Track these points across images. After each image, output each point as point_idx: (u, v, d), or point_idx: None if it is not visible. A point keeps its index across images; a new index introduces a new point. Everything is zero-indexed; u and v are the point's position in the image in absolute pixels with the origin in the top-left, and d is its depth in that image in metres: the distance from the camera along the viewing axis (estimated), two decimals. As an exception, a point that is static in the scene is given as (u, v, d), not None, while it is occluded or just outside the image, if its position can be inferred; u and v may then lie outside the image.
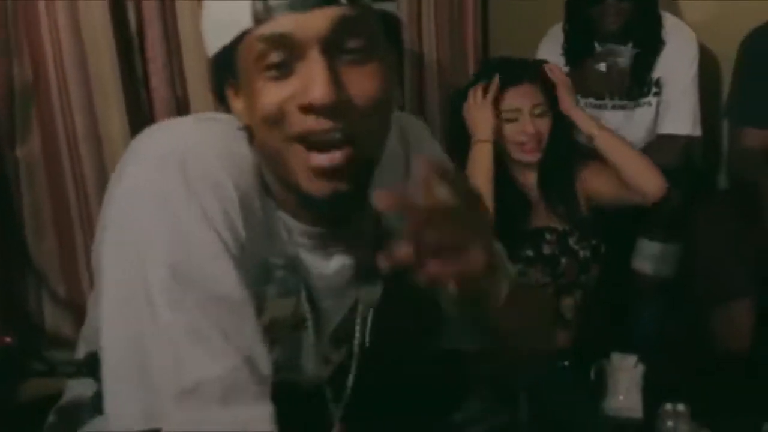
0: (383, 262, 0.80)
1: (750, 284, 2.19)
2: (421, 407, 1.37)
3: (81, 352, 1.27)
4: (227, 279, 0.93)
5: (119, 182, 1.00)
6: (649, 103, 2.69)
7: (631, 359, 2.33)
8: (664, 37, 2.65)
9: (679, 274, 2.38)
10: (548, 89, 2.24)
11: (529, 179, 2.26)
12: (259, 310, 1.01)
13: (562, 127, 2.21)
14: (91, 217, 2.16)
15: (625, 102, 2.73)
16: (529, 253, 2.17)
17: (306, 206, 1.04)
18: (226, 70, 1.01)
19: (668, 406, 2.04)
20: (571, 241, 2.17)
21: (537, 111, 2.19)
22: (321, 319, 1.18)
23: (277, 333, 1.11)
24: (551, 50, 2.81)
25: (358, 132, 0.95)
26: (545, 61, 2.38)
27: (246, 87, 0.98)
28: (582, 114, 2.24)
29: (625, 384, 2.30)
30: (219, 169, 0.97)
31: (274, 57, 0.93)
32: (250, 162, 1.03)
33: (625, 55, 2.68)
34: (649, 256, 2.39)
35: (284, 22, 0.92)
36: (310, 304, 1.14)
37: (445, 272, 0.82)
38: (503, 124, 2.20)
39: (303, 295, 1.13)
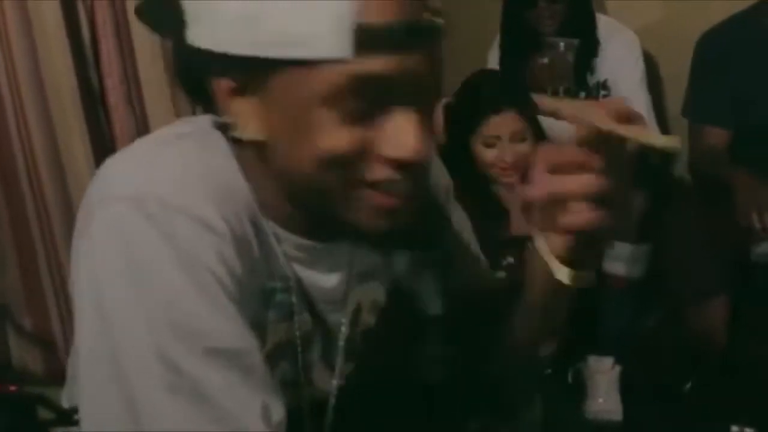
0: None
1: (724, 282, 2.22)
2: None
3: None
4: (229, 329, 0.82)
5: (86, 234, 0.83)
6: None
7: (608, 361, 2.35)
8: (602, 38, 2.66)
9: (650, 274, 2.40)
10: (529, 114, 2.23)
11: (514, 197, 2.23)
12: (262, 338, 0.94)
13: None
14: (55, 245, 2.06)
15: None
16: (511, 260, 2.15)
17: (358, 239, 0.99)
18: (218, 65, 0.84)
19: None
20: None
21: (518, 138, 2.17)
22: (330, 332, 1.11)
23: (283, 353, 1.04)
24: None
25: (421, 175, 0.91)
26: (525, 90, 2.39)
27: (292, 110, 0.83)
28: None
29: (603, 386, 2.32)
30: (203, 203, 0.83)
31: (357, 99, 0.81)
32: (234, 179, 0.90)
33: (566, 47, 2.68)
34: (620, 258, 2.40)
35: (380, 63, 0.80)
36: (315, 319, 1.07)
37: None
38: (481, 146, 2.18)
39: (305, 315, 1.05)
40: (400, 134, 0.83)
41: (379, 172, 0.85)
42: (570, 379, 2.33)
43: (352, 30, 0.77)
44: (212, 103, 0.87)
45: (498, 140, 2.15)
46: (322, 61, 0.78)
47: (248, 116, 0.86)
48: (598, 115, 0.83)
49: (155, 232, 0.79)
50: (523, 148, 2.15)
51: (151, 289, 0.79)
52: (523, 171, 2.12)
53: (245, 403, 0.81)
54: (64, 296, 2.09)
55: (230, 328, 0.82)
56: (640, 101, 2.60)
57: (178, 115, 2.27)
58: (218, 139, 0.90)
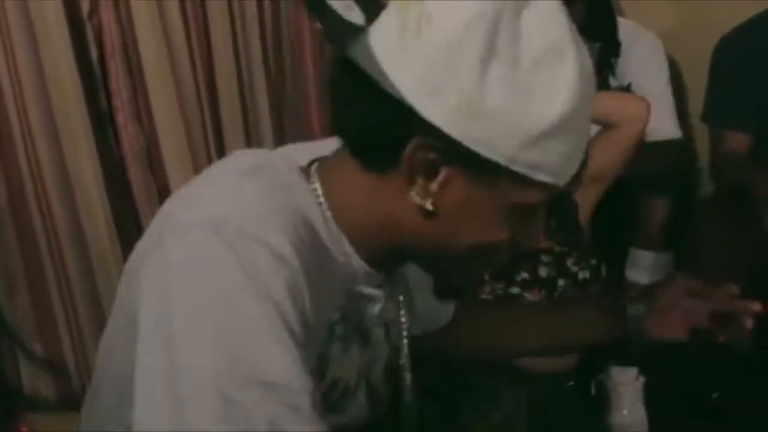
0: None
1: (749, 288, 2.17)
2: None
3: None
4: (286, 366, 0.82)
5: (160, 253, 0.85)
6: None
7: (632, 372, 2.28)
8: (625, 41, 2.61)
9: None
10: None
11: None
12: (321, 373, 0.97)
13: None
14: (66, 271, 2.03)
15: None
16: (525, 275, 2.04)
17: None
18: (458, 159, 0.85)
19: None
20: (569, 262, 2.06)
21: None
22: (376, 358, 1.15)
23: (343, 389, 1.06)
24: None
25: None
26: None
27: (483, 198, 0.88)
28: None
29: (627, 398, 2.24)
30: (276, 236, 0.85)
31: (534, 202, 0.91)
32: (307, 210, 0.93)
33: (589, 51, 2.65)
34: (642, 266, 2.36)
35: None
36: (364, 348, 1.09)
37: None
38: None
39: (359, 345, 1.07)
40: (538, 230, 0.96)
41: (506, 254, 0.96)
42: (593, 391, 2.27)
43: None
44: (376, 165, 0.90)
45: None
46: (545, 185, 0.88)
47: (423, 196, 0.88)
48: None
49: (233, 259, 0.80)
50: None
51: (222, 314, 0.79)
52: None
53: None
54: (75, 321, 2.06)
55: (287, 365, 0.81)
56: (665, 106, 2.56)
57: (189, 134, 2.24)
58: (291, 166, 0.96)
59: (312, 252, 0.90)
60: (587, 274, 2.03)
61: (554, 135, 0.84)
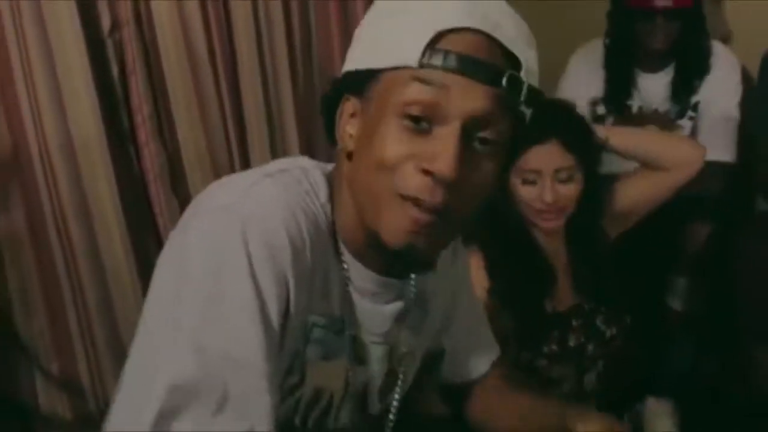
0: None
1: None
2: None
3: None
4: (250, 343, 0.91)
5: (183, 232, 0.98)
6: (682, 127, 2.58)
7: (667, 403, 2.19)
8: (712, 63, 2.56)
9: (713, 310, 2.24)
10: (581, 146, 1.82)
11: (555, 243, 1.92)
12: (301, 375, 1.06)
13: (593, 193, 1.86)
14: (83, 290, 2.01)
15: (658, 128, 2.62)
16: (554, 348, 1.86)
17: (377, 252, 1.05)
18: (351, 88, 1.02)
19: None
20: (599, 321, 1.90)
21: (562, 176, 1.78)
22: (371, 376, 1.19)
23: (327, 401, 1.12)
24: (589, 67, 2.70)
25: (454, 208, 0.97)
26: (580, 117, 1.96)
27: (372, 118, 0.98)
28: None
29: (662, 429, 2.17)
30: (278, 228, 0.96)
31: (420, 110, 0.94)
32: (319, 213, 1.04)
33: (660, 89, 2.59)
34: (676, 292, 2.27)
35: (447, 81, 0.93)
36: (356, 362, 1.14)
37: None
38: (519, 184, 1.80)
39: (348, 357, 1.12)
40: (440, 150, 0.93)
41: (415, 184, 0.94)
42: (626, 421, 2.19)
43: (425, 47, 0.93)
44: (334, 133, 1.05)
45: (539, 176, 1.78)
46: (401, 68, 0.94)
47: (349, 135, 1.03)
48: None
49: (234, 241, 0.92)
50: (569, 189, 1.80)
51: (216, 283, 0.91)
52: (563, 217, 1.83)
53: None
54: (91, 342, 2.04)
55: (254, 345, 0.90)
56: (730, 128, 2.53)
57: (212, 151, 2.21)
58: (316, 177, 1.07)
59: (313, 254, 1.00)
60: (614, 330, 1.91)
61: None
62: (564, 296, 1.88)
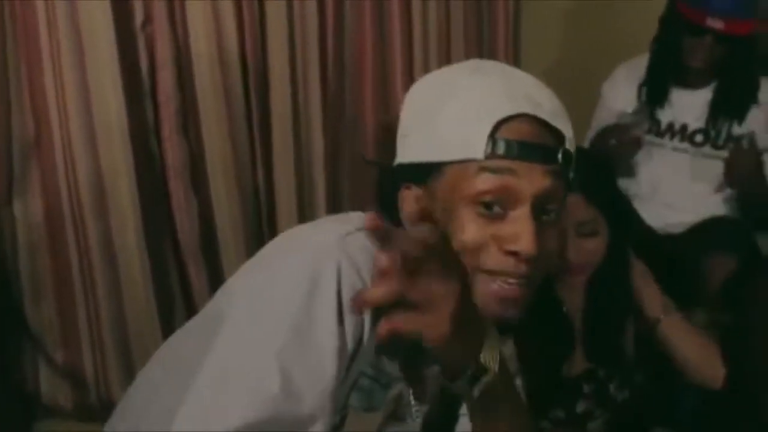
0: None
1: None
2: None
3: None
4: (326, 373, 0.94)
5: (271, 265, 1.02)
6: (719, 158, 2.50)
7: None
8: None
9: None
10: (603, 198, 1.72)
11: (576, 301, 1.78)
12: (341, 418, 1.07)
13: (618, 249, 1.76)
14: (94, 282, 2.01)
15: (686, 146, 2.56)
16: (560, 414, 1.77)
17: None
18: (411, 178, 1.07)
19: None
20: (612, 388, 1.79)
21: (585, 230, 1.69)
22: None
23: None
24: (630, 81, 2.62)
25: (534, 277, 1.04)
26: (603, 166, 1.89)
27: (442, 208, 1.03)
28: (653, 291, 1.89)
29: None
30: (365, 277, 0.98)
31: (492, 197, 1.00)
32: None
33: (694, 106, 2.54)
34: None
35: (513, 167, 0.99)
36: (393, 419, 1.17)
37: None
38: None
39: (384, 413, 1.15)
40: (518, 230, 1.00)
41: (500, 262, 1.00)
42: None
43: (488, 140, 0.99)
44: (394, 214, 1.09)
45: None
46: (466, 161, 1.00)
47: (415, 215, 1.07)
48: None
49: (333, 279, 0.96)
50: (593, 243, 1.71)
51: (307, 314, 0.94)
52: (589, 272, 1.73)
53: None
54: (98, 333, 2.04)
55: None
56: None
57: (235, 150, 2.19)
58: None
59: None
60: (626, 394, 1.84)
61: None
62: (578, 359, 1.80)
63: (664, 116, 2.57)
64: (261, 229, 2.31)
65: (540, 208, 1.02)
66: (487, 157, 0.99)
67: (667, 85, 2.55)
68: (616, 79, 2.67)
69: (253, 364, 0.92)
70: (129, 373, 2.03)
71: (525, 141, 1.00)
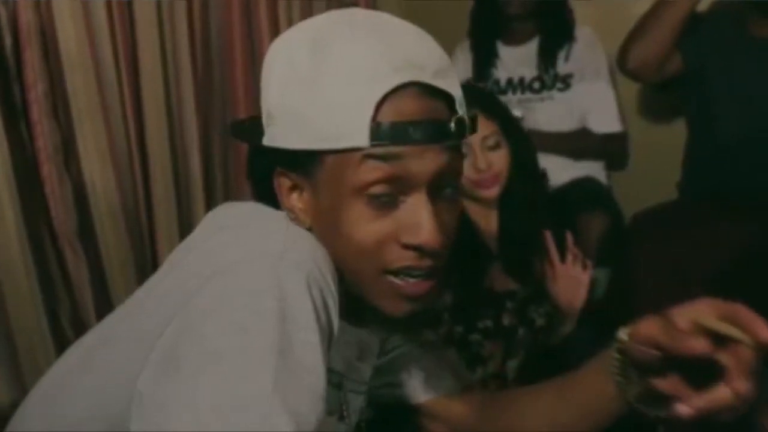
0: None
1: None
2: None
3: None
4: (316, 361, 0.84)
5: (230, 277, 0.85)
6: (552, 98, 2.70)
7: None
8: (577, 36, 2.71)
9: (610, 300, 2.29)
10: (501, 116, 1.85)
11: (491, 224, 1.92)
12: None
13: (524, 159, 1.90)
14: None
15: (529, 95, 2.74)
16: (489, 323, 1.86)
17: (383, 323, 1.03)
18: (285, 165, 0.96)
19: None
20: (531, 309, 1.92)
21: (489, 142, 1.80)
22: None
23: None
24: (464, 54, 2.85)
25: (441, 263, 0.97)
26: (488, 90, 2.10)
27: (327, 201, 0.93)
28: None
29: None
30: (329, 281, 0.90)
31: (382, 188, 0.90)
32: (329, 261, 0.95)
33: (524, 61, 2.70)
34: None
35: (400, 152, 0.89)
36: (340, 417, 1.15)
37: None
38: None
39: (336, 413, 1.13)
40: (415, 220, 0.91)
41: (401, 258, 0.93)
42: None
43: (371, 124, 0.87)
44: (273, 199, 0.99)
45: (468, 148, 1.77)
46: (348, 150, 0.89)
47: (302, 211, 0.97)
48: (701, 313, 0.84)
49: (305, 293, 0.84)
50: (499, 156, 1.83)
51: (283, 335, 0.80)
52: (499, 186, 1.85)
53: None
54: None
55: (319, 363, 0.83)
56: (608, 99, 2.70)
57: (109, 130, 2.11)
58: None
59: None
60: (543, 322, 1.93)
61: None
62: (501, 278, 1.90)
63: (502, 74, 2.75)
64: (139, 215, 2.24)
65: (437, 185, 0.93)
66: (372, 144, 0.88)
67: (493, 40, 2.73)
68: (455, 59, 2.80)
69: (256, 404, 0.75)
70: (13, 367, 1.95)
71: (413, 120, 0.89)
